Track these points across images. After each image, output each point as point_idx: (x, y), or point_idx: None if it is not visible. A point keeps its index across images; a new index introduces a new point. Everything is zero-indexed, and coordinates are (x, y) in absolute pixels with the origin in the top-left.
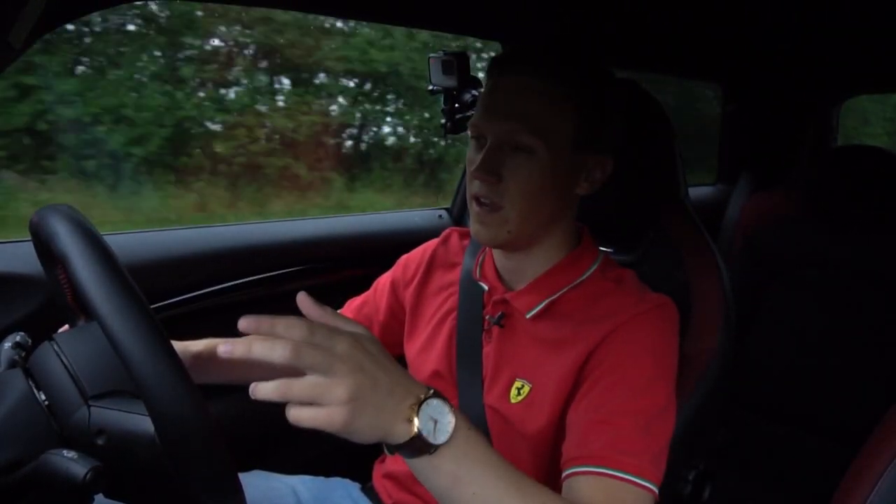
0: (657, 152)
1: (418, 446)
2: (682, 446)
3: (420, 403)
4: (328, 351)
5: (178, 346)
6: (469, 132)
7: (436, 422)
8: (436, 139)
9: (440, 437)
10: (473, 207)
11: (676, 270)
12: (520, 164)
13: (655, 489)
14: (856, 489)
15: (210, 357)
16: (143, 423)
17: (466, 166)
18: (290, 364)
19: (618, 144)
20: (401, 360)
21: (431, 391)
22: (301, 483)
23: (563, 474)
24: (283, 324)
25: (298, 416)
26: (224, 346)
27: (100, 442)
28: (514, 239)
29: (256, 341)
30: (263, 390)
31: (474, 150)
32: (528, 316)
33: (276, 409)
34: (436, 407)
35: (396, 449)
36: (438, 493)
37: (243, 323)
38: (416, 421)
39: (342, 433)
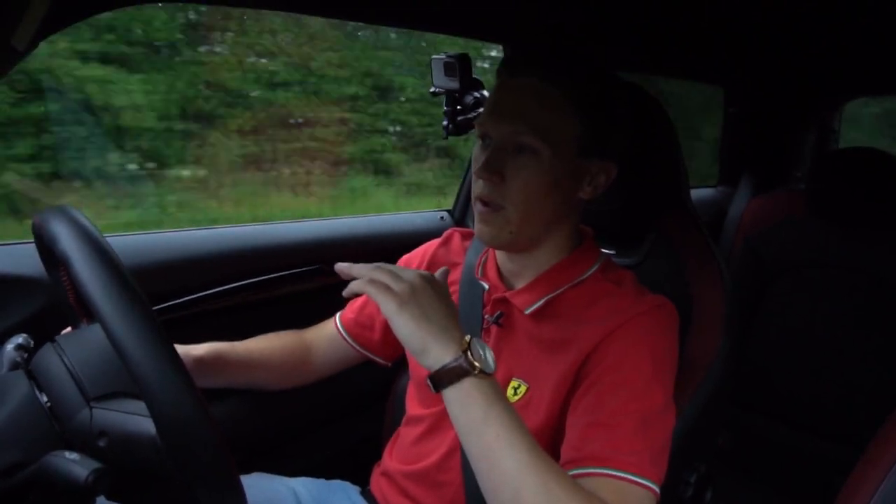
0: (659, 155)
1: (463, 368)
2: (684, 449)
3: (471, 338)
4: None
5: (180, 349)
6: (476, 132)
7: (483, 354)
8: None
9: (486, 366)
10: (477, 207)
11: (678, 273)
12: (523, 166)
13: (657, 488)
14: (859, 492)
15: (212, 361)
16: (144, 424)
17: (472, 166)
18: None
19: (623, 151)
20: (401, 359)
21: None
22: (302, 485)
23: None
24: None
25: (359, 286)
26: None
27: (101, 444)
28: (515, 239)
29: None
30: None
31: (480, 149)
32: (526, 312)
33: (276, 412)
34: (482, 344)
35: (442, 373)
36: (469, 431)
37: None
38: (468, 347)
39: (391, 319)
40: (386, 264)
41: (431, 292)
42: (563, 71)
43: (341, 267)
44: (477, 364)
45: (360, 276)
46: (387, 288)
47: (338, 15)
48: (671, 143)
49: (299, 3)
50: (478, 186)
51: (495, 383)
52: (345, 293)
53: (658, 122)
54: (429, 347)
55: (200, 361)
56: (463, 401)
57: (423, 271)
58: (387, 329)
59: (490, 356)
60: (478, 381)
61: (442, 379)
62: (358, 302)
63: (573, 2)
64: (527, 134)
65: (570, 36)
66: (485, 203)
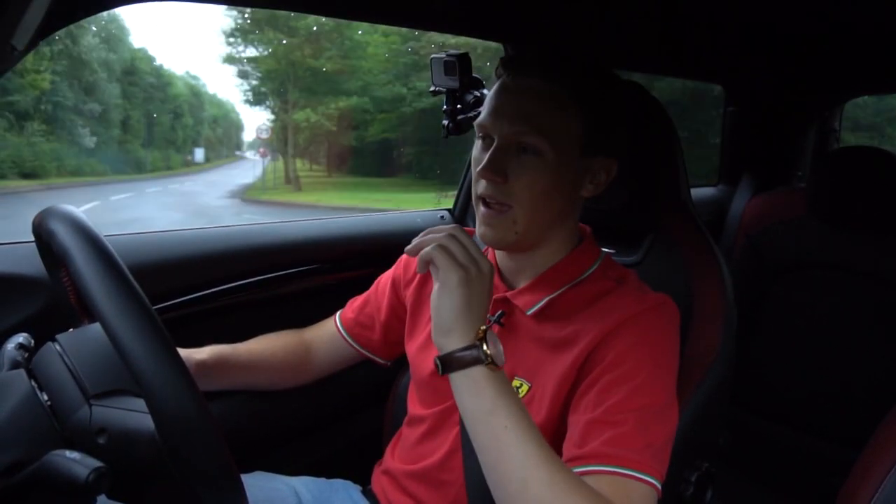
0: (659, 153)
1: (475, 356)
2: (685, 448)
3: (486, 328)
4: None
5: (182, 353)
6: (476, 132)
7: (495, 345)
8: None
9: (497, 359)
10: (480, 209)
11: (678, 271)
12: (527, 165)
13: (658, 485)
14: (859, 492)
15: (215, 364)
16: (144, 421)
17: (472, 166)
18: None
19: (623, 148)
20: (402, 358)
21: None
22: (303, 484)
23: None
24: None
25: (429, 250)
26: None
27: (101, 440)
28: (520, 240)
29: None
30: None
31: (480, 150)
32: (528, 313)
33: (277, 411)
34: (494, 337)
35: (453, 357)
36: (476, 419)
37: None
38: (483, 333)
39: (445, 291)
40: (462, 231)
41: (488, 284)
42: (566, 70)
43: (411, 248)
44: (490, 354)
45: (429, 241)
46: (454, 259)
47: (340, 14)
48: (671, 141)
49: (301, 2)
50: (480, 186)
51: (504, 376)
52: (410, 252)
53: (658, 121)
54: (454, 329)
55: (203, 365)
56: (473, 388)
57: (491, 263)
58: (387, 329)
59: (501, 350)
60: (488, 371)
61: (452, 363)
62: (358, 301)
63: (574, 1)
64: (531, 134)
65: (571, 34)
66: (489, 205)
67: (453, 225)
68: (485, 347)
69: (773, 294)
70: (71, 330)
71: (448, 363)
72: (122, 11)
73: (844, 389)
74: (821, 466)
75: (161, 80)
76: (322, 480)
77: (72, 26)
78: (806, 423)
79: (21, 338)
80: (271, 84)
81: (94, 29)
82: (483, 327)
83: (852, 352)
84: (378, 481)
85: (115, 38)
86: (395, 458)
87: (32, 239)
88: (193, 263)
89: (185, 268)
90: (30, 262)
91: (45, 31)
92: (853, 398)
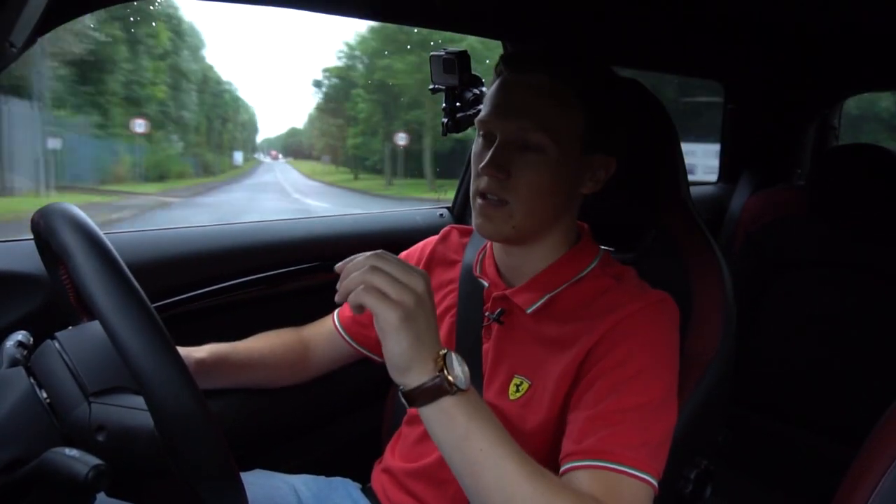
0: (659, 151)
1: (441, 386)
2: (684, 445)
3: (445, 352)
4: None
5: (181, 352)
6: (477, 129)
7: (458, 369)
8: None
9: (461, 382)
10: (477, 201)
11: (677, 269)
12: (529, 162)
13: (654, 482)
14: (857, 489)
15: (214, 363)
16: (142, 418)
17: (472, 163)
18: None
19: (623, 145)
20: None
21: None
22: (302, 482)
23: (561, 469)
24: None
25: (358, 294)
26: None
27: (100, 437)
28: (517, 234)
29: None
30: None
31: (481, 146)
32: (528, 311)
33: (276, 409)
34: (458, 358)
35: (418, 392)
36: (451, 448)
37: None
38: (444, 363)
39: (387, 334)
40: (384, 254)
41: (430, 306)
42: (564, 66)
43: (340, 266)
44: (453, 381)
45: (353, 283)
46: (385, 298)
47: (341, 12)
48: (670, 139)
49: (301, 1)
50: (481, 182)
51: (473, 396)
52: (337, 299)
53: (658, 119)
54: (412, 367)
55: (202, 363)
56: (442, 420)
57: (423, 274)
58: None
59: (465, 372)
60: (455, 398)
61: (417, 398)
62: None
63: None
64: (534, 131)
65: (571, 32)
66: (486, 198)
67: (371, 254)
68: (447, 374)
69: (772, 292)
70: (70, 328)
71: (413, 399)
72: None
73: (844, 387)
74: (820, 464)
75: (220, 86)
76: (321, 478)
77: (172, 37)
78: (805, 420)
79: (20, 335)
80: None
81: (188, 41)
82: (442, 352)
83: (852, 349)
84: (378, 479)
85: (195, 48)
86: (395, 456)
87: (31, 236)
88: (192, 261)
89: (185, 265)
90: (29, 260)
91: (42, 28)
92: (853, 395)
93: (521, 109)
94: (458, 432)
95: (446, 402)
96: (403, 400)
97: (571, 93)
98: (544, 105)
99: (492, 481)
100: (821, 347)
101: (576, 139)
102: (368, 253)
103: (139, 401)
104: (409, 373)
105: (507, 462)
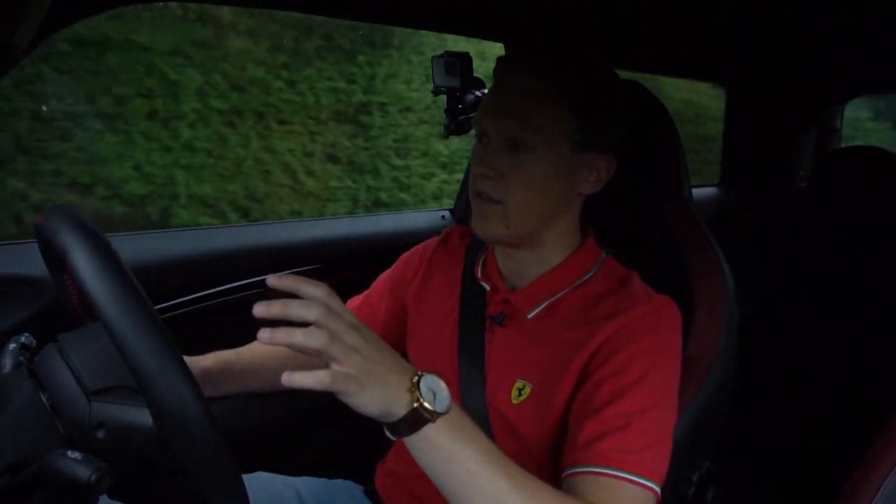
0: (660, 153)
1: (420, 416)
2: (686, 448)
3: (419, 378)
4: (335, 334)
5: (186, 360)
6: (473, 129)
7: (434, 393)
8: None
9: (440, 406)
10: (474, 202)
11: (679, 271)
12: (521, 162)
13: (657, 488)
14: (861, 492)
15: (219, 371)
16: (142, 415)
17: (471, 163)
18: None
19: (621, 143)
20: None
21: (424, 372)
22: (304, 485)
23: (563, 474)
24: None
25: (294, 378)
26: (264, 334)
27: (100, 435)
28: (512, 234)
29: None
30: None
31: (478, 147)
32: (529, 316)
33: (278, 411)
34: (432, 381)
35: (400, 424)
36: (438, 473)
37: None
38: (417, 391)
39: (347, 397)
40: (333, 293)
41: (375, 344)
42: (556, 68)
43: (277, 285)
44: (431, 409)
45: (311, 320)
46: (342, 343)
47: (340, 14)
48: (672, 140)
49: (301, 1)
50: (476, 183)
51: (455, 416)
52: (265, 336)
53: (658, 119)
54: (387, 408)
55: (207, 372)
56: (426, 447)
57: (350, 318)
58: (385, 330)
59: (443, 393)
60: (436, 424)
61: (401, 431)
62: (356, 302)
63: (574, 1)
64: (523, 130)
65: (572, 34)
66: (482, 197)
67: (321, 290)
68: (423, 403)
69: (773, 294)
70: (73, 330)
71: (395, 431)
72: None
73: (848, 390)
74: (823, 466)
75: None
76: (324, 481)
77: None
78: (808, 423)
79: (23, 338)
80: None
81: None
82: (414, 378)
83: (855, 351)
84: (382, 483)
85: None
86: (400, 459)
87: (33, 239)
88: (195, 263)
89: (187, 267)
90: (31, 262)
91: (46, 30)
92: (856, 399)
93: (510, 109)
94: (443, 455)
95: (427, 431)
96: (389, 434)
97: (562, 93)
98: (532, 105)
99: (483, 502)
100: (823, 349)
101: (568, 138)
102: (312, 284)
103: (139, 398)
104: (389, 413)
105: (496, 480)
